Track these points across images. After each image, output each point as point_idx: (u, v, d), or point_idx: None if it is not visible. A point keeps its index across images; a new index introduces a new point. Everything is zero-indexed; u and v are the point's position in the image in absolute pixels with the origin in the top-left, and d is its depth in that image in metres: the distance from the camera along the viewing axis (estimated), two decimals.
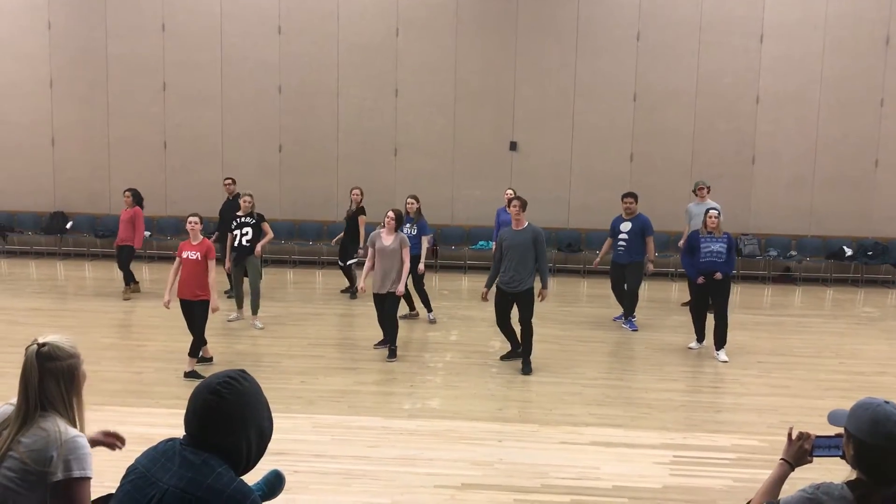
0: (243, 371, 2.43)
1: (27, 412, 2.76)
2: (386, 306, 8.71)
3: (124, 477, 2.43)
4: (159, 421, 6.43)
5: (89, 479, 2.75)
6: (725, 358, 8.89)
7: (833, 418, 2.83)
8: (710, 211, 9.13)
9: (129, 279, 11.62)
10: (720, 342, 9.03)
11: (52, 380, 2.78)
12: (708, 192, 11.50)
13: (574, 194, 14.45)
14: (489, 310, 8.47)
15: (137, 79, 14.78)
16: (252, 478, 3.10)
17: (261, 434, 2.41)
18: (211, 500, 2.26)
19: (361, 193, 11.81)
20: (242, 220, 10.14)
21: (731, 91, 14.12)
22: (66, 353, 2.82)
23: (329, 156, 14.72)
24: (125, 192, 11.73)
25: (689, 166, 14.24)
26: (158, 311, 10.46)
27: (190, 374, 7.82)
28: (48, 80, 14.91)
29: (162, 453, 2.40)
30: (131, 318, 10.51)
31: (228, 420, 2.33)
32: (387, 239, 8.69)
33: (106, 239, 11.88)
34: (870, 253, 13.97)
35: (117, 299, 11.33)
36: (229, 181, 12.19)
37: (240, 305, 10.25)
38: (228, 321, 10.06)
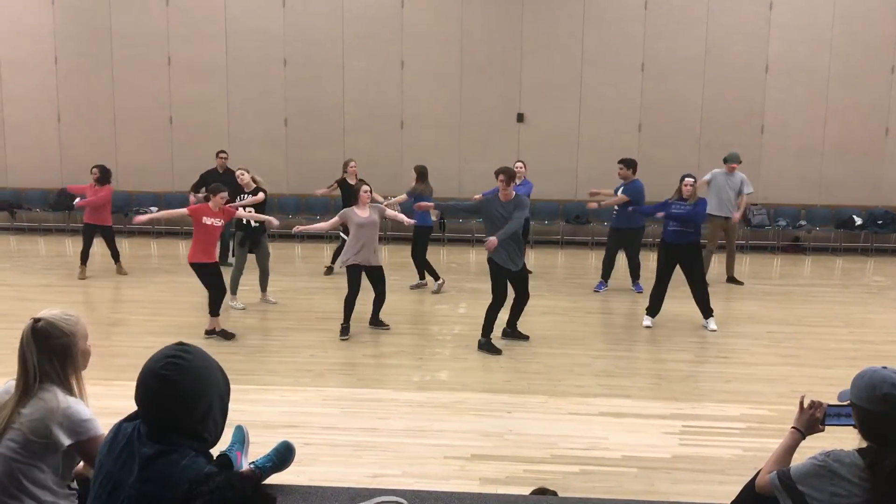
0: (181, 344, 2.31)
1: (26, 385, 2.82)
2: (373, 279, 8.68)
3: (94, 475, 2.36)
4: None
5: (102, 434, 2.79)
6: (715, 327, 8.86)
7: (842, 396, 2.86)
8: (686, 179, 8.80)
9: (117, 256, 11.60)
10: (707, 311, 8.91)
11: (45, 356, 2.82)
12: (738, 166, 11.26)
13: (582, 165, 14.38)
14: None
15: (142, 53, 14.71)
16: (261, 450, 3.12)
17: (221, 399, 2.31)
18: (170, 494, 2.10)
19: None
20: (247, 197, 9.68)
21: (739, 59, 13.98)
22: (60, 331, 2.84)
23: (335, 129, 14.67)
24: (94, 168, 11.22)
25: (697, 136, 14.14)
26: (167, 286, 10.54)
27: (212, 334, 8.36)
28: (53, 57, 14.86)
29: (123, 448, 2.30)
30: (140, 293, 10.52)
31: (183, 400, 2.21)
32: (362, 213, 8.49)
33: (112, 215, 11.91)
34: (880, 222, 13.88)
35: (125, 275, 11.36)
36: (224, 155, 12.14)
37: (234, 291, 9.67)
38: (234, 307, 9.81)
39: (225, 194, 8.50)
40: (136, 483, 2.19)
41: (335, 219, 8.81)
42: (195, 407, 2.22)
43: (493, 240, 7.75)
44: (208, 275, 8.39)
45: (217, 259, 8.63)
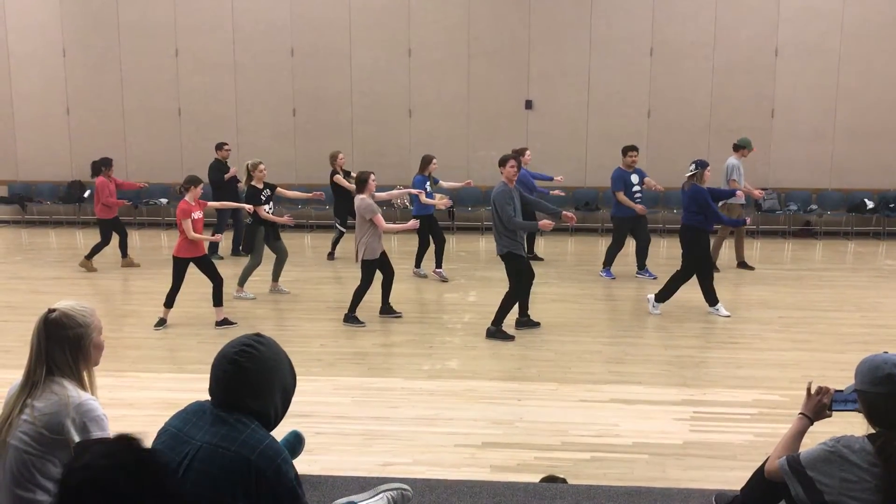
0: (258, 335, 2.46)
1: (35, 376, 2.81)
2: (383, 264, 8.66)
3: (156, 439, 2.47)
4: (183, 386, 6.50)
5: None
6: (727, 312, 8.80)
7: (849, 389, 2.87)
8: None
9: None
10: (714, 298, 8.85)
11: (58, 346, 2.82)
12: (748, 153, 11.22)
13: (591, 152, 14.33)
14: None
15: (150, 45, 14.73)
16: None
17: (285, 391, 2.50)
18: (245, 454, 2.31)
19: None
20: (268, 192, 9.63)
21: (749, 43, 13.89)
22: (74, 321, 2.85)
23: (343, 119, 14.66)
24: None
25: (707, 121, 14.07)
26: None
27: (221, 323, 8.45)
28: (61, 50, 14.89)
29: (193, 413, 2.46)
30: (152, 285, 10.56)
31: (253, 387, 2.39)
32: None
33: (123, 207, 12.02)
34: (892, 205, 13.80)
35: (137, 267, 11.41)
36: (227, 147, 12.15)
37: (242, 283, 9.76)
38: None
39: (202, 184, 8.60)
40: (206, 437, 2.36)
41: (378, 215, 8.41)
42: (259, 394, 2.41)
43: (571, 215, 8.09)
44: (201, 267, 8.46)
45: (205, 252, 8.60)
